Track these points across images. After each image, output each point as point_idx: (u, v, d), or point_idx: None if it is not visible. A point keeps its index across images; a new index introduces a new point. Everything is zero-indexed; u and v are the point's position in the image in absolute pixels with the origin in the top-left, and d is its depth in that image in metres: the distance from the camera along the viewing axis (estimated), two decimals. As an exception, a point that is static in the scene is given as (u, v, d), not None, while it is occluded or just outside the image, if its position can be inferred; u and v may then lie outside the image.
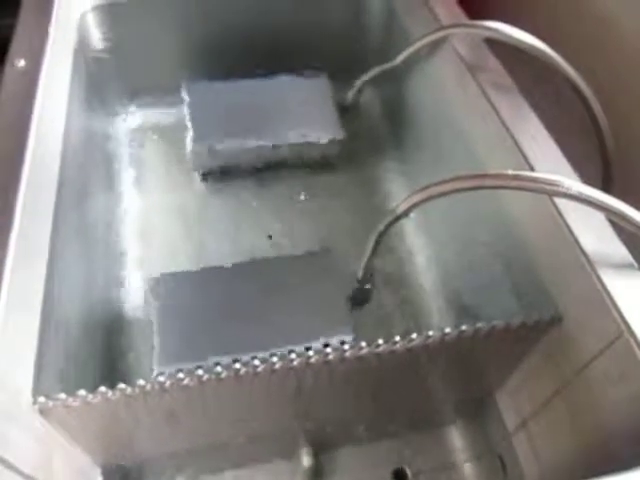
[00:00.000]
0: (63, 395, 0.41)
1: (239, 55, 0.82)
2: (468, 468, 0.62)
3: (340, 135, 0.77)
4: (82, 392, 0.41)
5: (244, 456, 0.60)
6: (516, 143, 0.53)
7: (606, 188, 0.56)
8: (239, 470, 0.60)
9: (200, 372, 0.42)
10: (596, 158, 0.57)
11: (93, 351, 0.61)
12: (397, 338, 0.44)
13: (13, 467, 0.38)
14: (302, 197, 0.80)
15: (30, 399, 0.41)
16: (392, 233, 0.58)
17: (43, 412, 0.42)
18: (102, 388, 0.41)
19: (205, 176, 0.81)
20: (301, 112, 0.79)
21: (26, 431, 0.41)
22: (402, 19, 0.78)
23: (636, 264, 0.45)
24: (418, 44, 0.67)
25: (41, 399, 0.41)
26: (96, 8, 0.75)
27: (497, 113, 0.56)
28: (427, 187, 0.49)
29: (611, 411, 0.44)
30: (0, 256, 0.43)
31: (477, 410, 0.63)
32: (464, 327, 0.45)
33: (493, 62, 0.62)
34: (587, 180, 0.46)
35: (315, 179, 0.82)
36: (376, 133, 0.88)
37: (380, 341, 0.44)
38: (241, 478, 0.60)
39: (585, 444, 0.48)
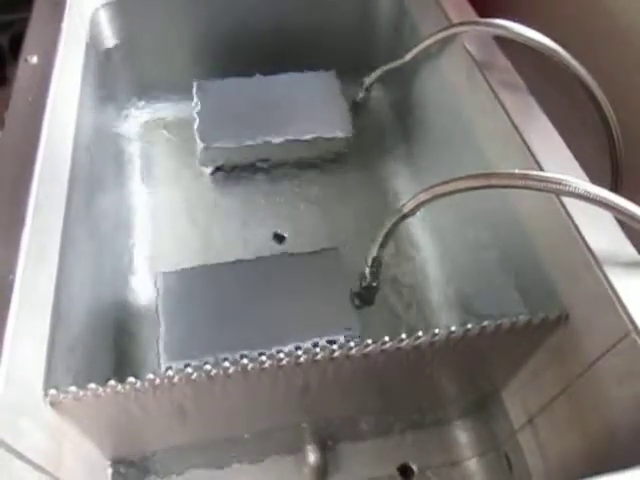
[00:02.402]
0: (74, 388, 0.41)
1: (249, 52, 0.83)
2: (474, 465, 0.62)
3: (349, 133, 0.77)
4: (92, 385, 0.41)
5: (251, 451, 0.61)
6: (524, 142, 0.53)
7: (615, 187, 0.56)
8: (246, 464, 0.61)
9: (208, 367, 0.42)
10: (605, 157, 0.56)
11: (103, 345, 0.62)
12: (403, 336, 0.44)
13: (24, 458, 0.39)
14: (310, 194, 0.80)
15: (41, 391, 0.42)
16: (399, 232, 0.58)
17: (54, 404, 0.42)
18: (112, 381, 0.41)
19: (214, 172, 0.81)
20: (310, 110, 0.79)
21: (37, 423, 0.41)
22: (412, 16, 0.77)
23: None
24: (428, 41, 0.67)
25: (52, 391, 0.41)
26: (108, 4, 0.75)
27: (506, 111, 0.56)
28: (434, 186, 0.49)
29: (617, 409, 0.44)
30: (12, 251, 0.44)
31: (483, 407, 0.63)
32: (470, 325, 0.45)
33: (502, 60, 0.61)
34: (596, 179, 0.46)
35: (323, 176, 0.82)
36: (385, 131, 0.88)
37: (386, 339, 0.44)
38: (248, 472, 0.61)
39: (591, 442, 0.48)
